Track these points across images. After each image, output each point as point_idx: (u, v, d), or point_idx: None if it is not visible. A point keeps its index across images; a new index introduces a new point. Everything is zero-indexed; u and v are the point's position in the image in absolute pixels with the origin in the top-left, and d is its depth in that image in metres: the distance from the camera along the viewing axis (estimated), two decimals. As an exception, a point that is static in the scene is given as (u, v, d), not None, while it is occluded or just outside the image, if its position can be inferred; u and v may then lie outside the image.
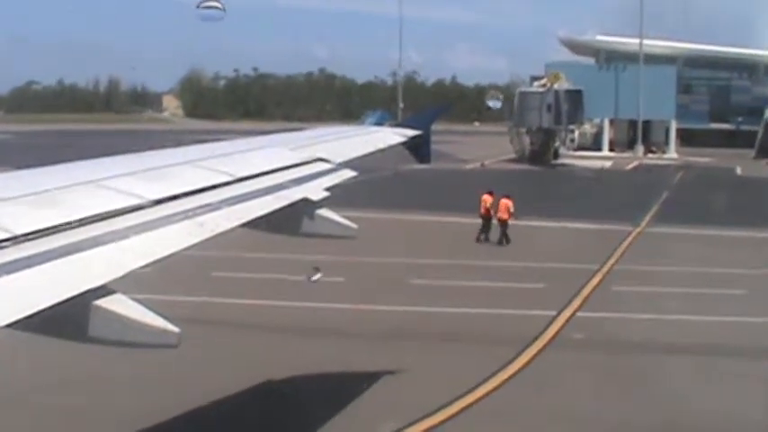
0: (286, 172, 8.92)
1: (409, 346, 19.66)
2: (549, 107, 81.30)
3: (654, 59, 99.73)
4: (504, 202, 33.70)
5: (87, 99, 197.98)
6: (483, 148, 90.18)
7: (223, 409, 15.23)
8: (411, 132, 13.62)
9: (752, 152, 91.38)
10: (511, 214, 33.38)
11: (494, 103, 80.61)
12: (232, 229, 6.95)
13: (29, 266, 4.85)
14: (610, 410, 16.14)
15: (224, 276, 24.98)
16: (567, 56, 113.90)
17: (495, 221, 33.71)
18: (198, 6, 44.75)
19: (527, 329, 20.54)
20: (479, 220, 34.29)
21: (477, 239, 33.74)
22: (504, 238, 33.29)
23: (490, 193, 34.65)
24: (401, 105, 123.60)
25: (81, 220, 5.67)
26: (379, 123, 14.92)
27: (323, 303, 22.26)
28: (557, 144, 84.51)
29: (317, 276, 21.78)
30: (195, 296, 22.28)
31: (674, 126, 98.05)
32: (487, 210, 34.19)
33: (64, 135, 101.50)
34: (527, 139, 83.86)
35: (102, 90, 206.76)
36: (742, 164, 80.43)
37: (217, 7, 45.29)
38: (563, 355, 19.15)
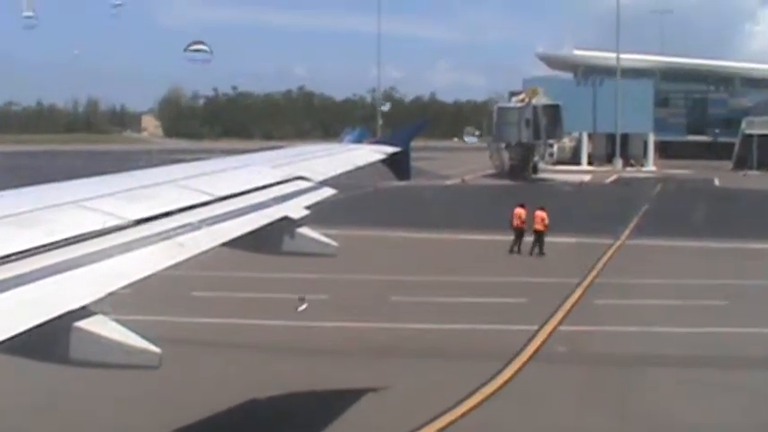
0: (266, 191, 8.92)
1: (395, 363, 19.62)
2: (527, 122, 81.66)
3: (631, 73, 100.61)
4: (540, 213, 34.58)
5: (66, 119, 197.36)
6: (463, 163, 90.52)
7: (207, 428, 15.16)
8: (390, 149, 13.64)
9: (729, 163, 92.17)
10: (546, 226, 34.27)
11: (469, 139, 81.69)
12: (213, 249, 6.95)
13: (9, 288, 4.84)
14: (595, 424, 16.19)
15: (205, 296, 24.88)
16: (544, 71, 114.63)
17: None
18: (185, 50, 46.84)
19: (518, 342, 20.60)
20: (461, 236, 34.43)
21: (511, 251, 34.50)
22: (539, 248, 34.22)
23: (522, 206, 35.39)
24: (380, 122, 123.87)
25: (61, 241, 5.66)
26: (357, 141, 14.88)
27: (305, 322, 22.23)
28: (536, 159, 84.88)
29: (303, 307, 21.80)
30: (176, 316, 22.17)
31: (651, 139, 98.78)
32: (522, 222, 34.83)
33: (43, 156, 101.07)
34: (506, 155, 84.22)
35: (81, 110, 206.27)
36: (720, 175, 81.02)
37: (204, 50, 47.65)
38: (544, 369, 19.16)
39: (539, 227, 34.33)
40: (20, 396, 15.34)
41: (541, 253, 34.11)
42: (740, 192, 67.38)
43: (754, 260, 33.09)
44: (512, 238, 34.71)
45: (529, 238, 34.55)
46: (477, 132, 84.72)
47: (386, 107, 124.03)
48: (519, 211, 35.15)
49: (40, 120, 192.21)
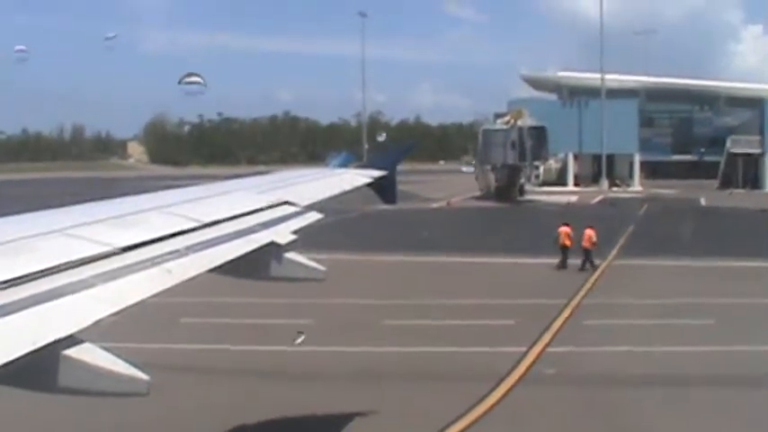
0: (253, 216, 8.90)
1: (383, 386, 19.58)
2: (513, 144, 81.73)
3: (615, 94, 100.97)
4: (588, 232, 35.96)
5: (52, 147, 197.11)
6: (449, 186, 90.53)
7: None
8: (376, 173, 13.62)
9: (715, 182, 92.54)
10: (593, 243, 35.85)
11: (467, 169, 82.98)
12: (200, 275, 6.93)
13: (-4, 318, 4.82)
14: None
15: (193, 322, 24.82)
16: (529, 92, 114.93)
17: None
18: (180, 82, 49.28)
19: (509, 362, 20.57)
20: (447, 259, 34.61)
21: (558, 267, 35.88)
22: (590, 264, 35.73)
23: (567, 225, 36.74)
24: (366, 146, 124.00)
25: (48, 269, 5.64)
26: (343, 165, 14.88)
27: (294, 347, 22.18)
28: (522, 180, 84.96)
29: (300, 339, 21.84)
30: (165, 343, 22.12)
31: (637, 159, 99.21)
32: (570, 239, 36.18)
33: (30, 184, 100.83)
34: (492, 177, 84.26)
35: (66, 138, 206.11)
36: (706, 194, 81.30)
37: (199, 83, 50.34)
38: (533, 390, 19.16)
39: (586, 244, 35.65)
40: (6, 426, 15.27)
41: (593, 266, 35.62)
42: (726, 211, 67.63)
43: (741, 279, 33.14)
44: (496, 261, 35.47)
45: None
46: (473, 162, 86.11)
47: (382, 137, 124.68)
48: (565, 229, 36.34)
49: (26, 148, 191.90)
